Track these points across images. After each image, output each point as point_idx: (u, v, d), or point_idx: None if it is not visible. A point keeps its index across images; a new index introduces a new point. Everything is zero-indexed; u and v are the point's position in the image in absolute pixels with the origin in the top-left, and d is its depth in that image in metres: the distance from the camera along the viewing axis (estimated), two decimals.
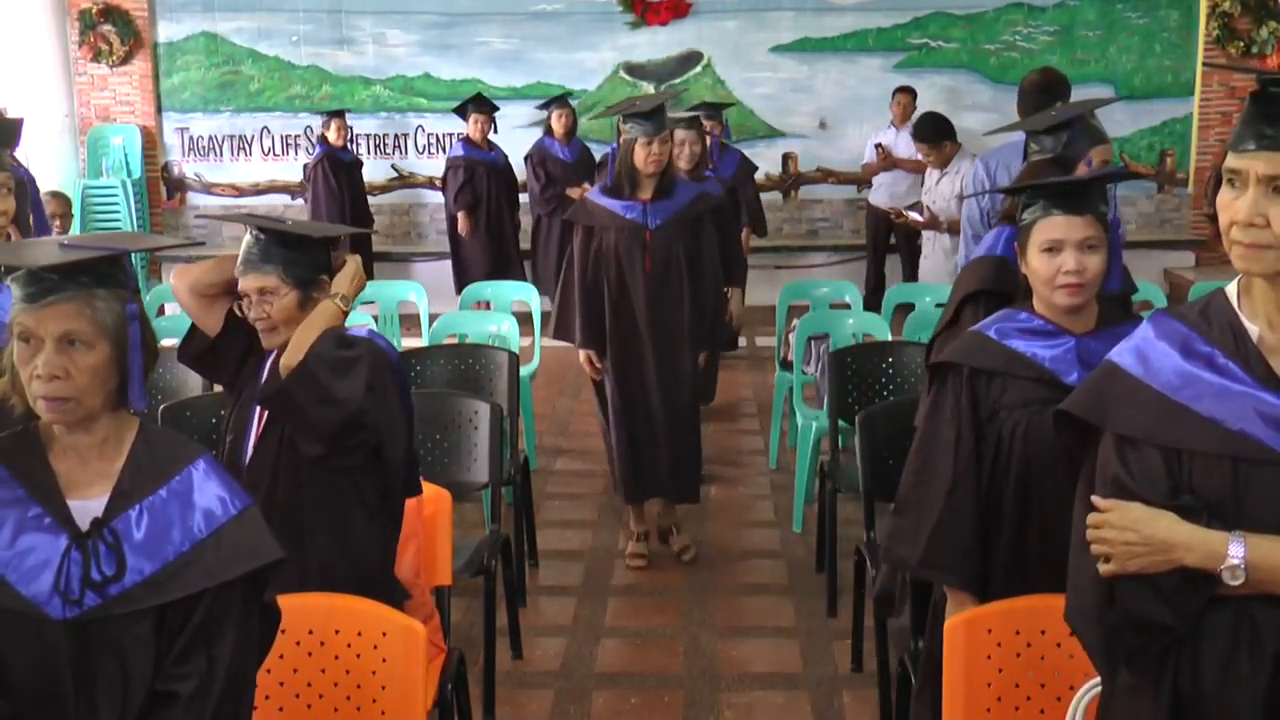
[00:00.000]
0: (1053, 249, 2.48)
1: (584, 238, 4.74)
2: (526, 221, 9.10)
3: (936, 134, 6.80)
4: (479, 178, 8.79)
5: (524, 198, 9.15)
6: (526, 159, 8.79)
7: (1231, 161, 1.68)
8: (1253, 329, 1.74)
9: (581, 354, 4.79)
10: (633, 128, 4.56)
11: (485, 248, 8.87)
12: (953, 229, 6.56)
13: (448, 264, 9.12)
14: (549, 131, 8.82)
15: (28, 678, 1.86)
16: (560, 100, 8.86)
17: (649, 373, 4.70)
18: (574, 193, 8.50)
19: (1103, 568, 1.75)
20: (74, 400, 1.87)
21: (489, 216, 8.85)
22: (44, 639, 1.86)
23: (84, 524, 1.88)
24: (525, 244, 9.14)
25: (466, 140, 8.84)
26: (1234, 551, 1.66)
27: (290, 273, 2.73)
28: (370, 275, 8.86)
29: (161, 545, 1.89)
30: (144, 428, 1.98)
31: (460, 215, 8.77)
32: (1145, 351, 1.80)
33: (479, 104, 8.85)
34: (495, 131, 8.91)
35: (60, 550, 1.87)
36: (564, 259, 5.56)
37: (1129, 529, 1.71)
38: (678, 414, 4.78)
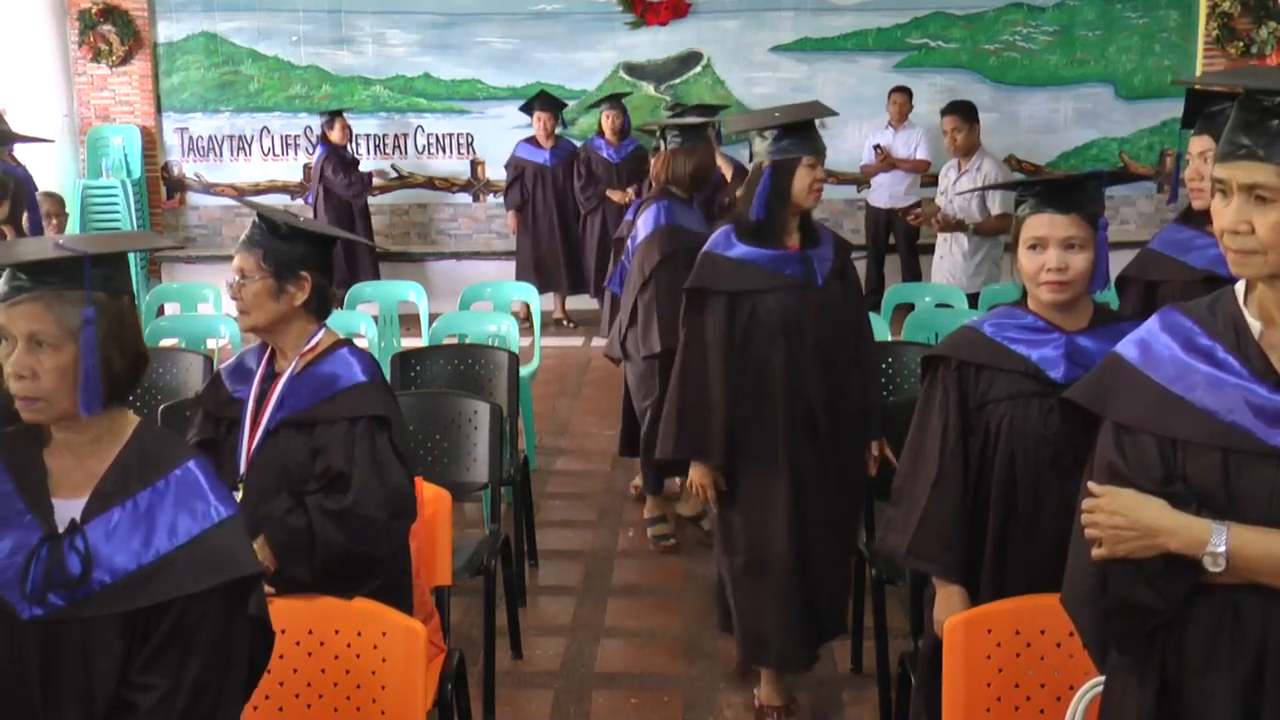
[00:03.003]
0: (1037, 246, 2.52)
1: (726, 309, 3.47)
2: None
3: (969, 110, 6.77)
4: (526, 178, 9.00)
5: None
6: (574, 157, 8.83)
7: (1217, 171, 1.74)
8: (1255, 325, 1.77)
9: (704, 475, 3.53)
10: (789, 145, 3.37)
11: (528, 249, 9.07)
12: (978, 230, 6.50)
13: (450, 264, 9.11)
14: (600, 131, 8.82)
15: (1, 675, 1.85)
16: (611, 100, 8.83)
17: (809, 484, 3.50)
18: (614, 195, 8.49)
19: (1094, 552, 1.78)
20: (43, 400, 1.86)
21: (534, 219, 9.04)
22: (13, 637, 1.84)
23: (64, 524, 1.86)
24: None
25: (530, 139, 9.04)
26: (1216, 539, 1.69)
27: (269, 260, 2.74)
28: (375, 275, 8.92)
29: (132, 550, 1.85)
30: (140, 428, 1.96)
31: (510, 214, 9.11)
32: (1148, 343, 1.84)
33: (542, 102, 8.98)
34: (562, 127, 9.07)
35: (30, 549, 1.85)
36: (622, 286, 4.94)
37: (1118, 513, 1.75)
38: (840, 528, 3.66)
